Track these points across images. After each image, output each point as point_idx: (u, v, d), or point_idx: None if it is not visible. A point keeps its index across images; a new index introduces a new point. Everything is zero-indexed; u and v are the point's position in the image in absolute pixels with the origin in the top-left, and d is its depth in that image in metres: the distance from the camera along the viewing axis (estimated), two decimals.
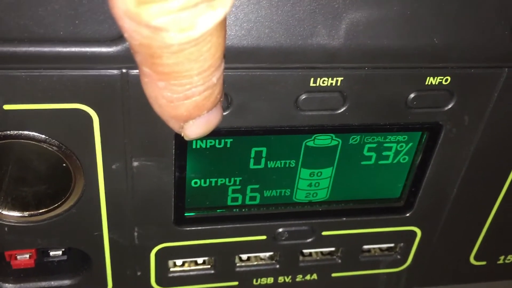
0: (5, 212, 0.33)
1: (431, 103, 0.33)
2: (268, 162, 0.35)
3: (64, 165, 0.31)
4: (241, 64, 0.29)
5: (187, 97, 0.23)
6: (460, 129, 0.35)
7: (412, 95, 0.32)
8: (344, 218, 0.39)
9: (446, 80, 0.32)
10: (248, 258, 0.41)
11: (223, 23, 0.22)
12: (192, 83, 0.22)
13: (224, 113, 0.31)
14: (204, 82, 0.23)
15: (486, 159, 0.37)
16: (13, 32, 0.25)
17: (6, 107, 0.28)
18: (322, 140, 0.34)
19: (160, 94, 0.23)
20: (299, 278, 0.42)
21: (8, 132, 0.29)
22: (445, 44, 0.30)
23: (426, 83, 0.32)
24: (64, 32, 0.26)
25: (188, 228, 0.37)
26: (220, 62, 0.23)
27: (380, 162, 0.36)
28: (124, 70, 0.28)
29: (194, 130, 0.25)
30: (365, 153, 0.35)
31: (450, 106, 0.33)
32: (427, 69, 0.31)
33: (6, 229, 0.34)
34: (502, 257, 0.45)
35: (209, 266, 0.40)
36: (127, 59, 0.27)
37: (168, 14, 0.19)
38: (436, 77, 0.31)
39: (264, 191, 0.36)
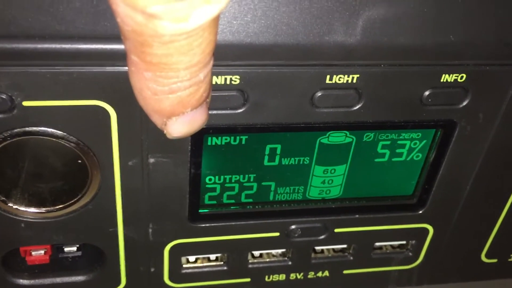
0: (22, 208, 0.33)
1: (446, 101, 0.33)
2: (282, 159, 0.35)
3: (80, 161, 0.32)
4: (258, 61, 0.29)
5: (172, 91, 0.23)
6: (474, 126, 0.35)
7: (427, 93, 0.32)
8: (357, 215, 0.39)
9: (462, 77, 0.32)
10: (261, 255, 0.41)
11: (216, 20, 0.22)
12: (178, 76, 0.22)
13: (240, 110, 0.31)
14: (190, 77, 0.23)
15: (500, 157, 0.37)
16: (34, 29, 0.26)
17: (26, 103, 0.28)
18: (336, 137, 0.34)
19: (145, 85, 0.23)
20: (311, 275, 0.42)
21: (27, 128, 0.29)
22: (461, 41, 0.30)
23: (442, 80, 0.32)
24: (84, 29, 0.26)
25: (202, 225, 0.37)
26: (209, 59, 0.23)
27: (394, 159, 0.36)
28: None
29: (177, 128, 0.25)
30: (379, 150, 0.36)
31: (465, 103, 0.33)
32: (442, 66, 0.31)
33: (22, 225, 0.34)
34: None
35: (221, 263, 0.40)
36: None
37: (164, 2, 0.19)
38: (451, 75, 0.32)
39: (278, 188, 0.36)
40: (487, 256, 0.45)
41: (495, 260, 0.45)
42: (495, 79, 0.32)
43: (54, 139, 0.30)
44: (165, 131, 0.25)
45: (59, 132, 0.30)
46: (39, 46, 0.26)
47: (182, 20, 0.20)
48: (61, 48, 0.26)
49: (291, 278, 0.42)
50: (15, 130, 0.29)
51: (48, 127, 0.30)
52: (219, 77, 0.29)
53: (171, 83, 0.23)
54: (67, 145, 0.30)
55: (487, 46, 0.30)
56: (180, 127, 0.25)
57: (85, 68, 0.27)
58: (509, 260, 0.46)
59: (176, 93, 0.23)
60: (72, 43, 0.26)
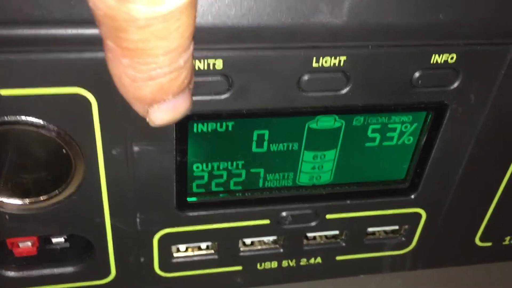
0: (5, 200, 0.33)
1: (437, 82, 0.32)
2: (271, 145, 0.34)
3: (63, 151, 0.31)
4: (242, 44, 0.28)
5: (152, 77, 0.22)
6: (466, 108, 0.34)
7: (417, 74, 0.32)
8: (348, 201, 0.38)
9: (452, 58, 0.31)
10: (252, 243, 0.41)
11: (194, 2, 0.21)
12: (157, 62, 0.22)
13: (225, 96, 0.30)
14: (170, 63, 0.22)
15: (493, 139, 0.36)
16: (7, 14, 0.25)
17: (3, 92, 0.28)
18: (325, 122, 0.34)
19: (124, 72, 0.22)
20: (303, 261, 0.42)
21: (6, 117, 0.29)
22: (450, 20, 0.29)
23: (432, 61, 0.31)
24: (60, 14, 0.25)
25: (190, 213, 0.36)
26: (189, 43, 0.22)
27: (385, 143, 0.36)
28: None
29: (159, 115, 0.24)
30: (369, 134, 0.35)
31: (456, 84, 0.33)
32: (432, 46, 0.31)
33: (7, 217, 0.33)
34: (507, 238, 0.45)
35: (212, 251, 0.40)
36: None
37: None
38: (441, 55, 0.31)
39: (267, 175, 0.36)
40: (481, 239, 0.44)
41: (489, 244, 0.45)
42: (486, 59, 0.32)
43: (34, 129, 0.29)
44: (147, 119, 0.25)
45: (39, 121, 0.29)
46: (13, 32, 0.25)
47: (156, 2, 0.19)
48: (36, 33, 0.25)
49: (283, 265, 0.42)
50: None
51: (27, 116, 0.29)
52: (202, 61, 0.28)
53: (150, 69, 0.22)
54: (48, 134, 0.30)
55: (478, 25, 0.30)
56: (162, 114, 0.24)
57: (62, 54, 0.27)
58: (504, 243, 0.45)
59: (156, 80, 0.22)
60: (47, 28, 0.25)
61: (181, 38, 0.21)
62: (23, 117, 0.29)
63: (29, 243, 0.37)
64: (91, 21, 0.25)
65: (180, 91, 0.24)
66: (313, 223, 0.39)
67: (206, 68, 0.29)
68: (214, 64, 0.29)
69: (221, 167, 0.35)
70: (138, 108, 0.24)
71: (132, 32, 0.20)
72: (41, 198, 0.33)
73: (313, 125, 0.34)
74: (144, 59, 0.21)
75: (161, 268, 0.39)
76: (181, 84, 0.23)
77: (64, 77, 0.28)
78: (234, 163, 0.35)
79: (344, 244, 0.41)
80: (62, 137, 0.30)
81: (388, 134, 0.35)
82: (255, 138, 0.34)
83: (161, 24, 0.20)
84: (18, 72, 0.27)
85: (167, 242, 0.38)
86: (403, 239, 0.42)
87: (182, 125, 0.31)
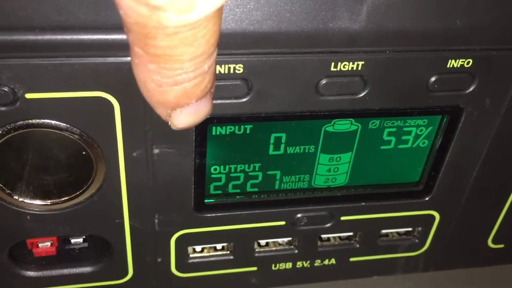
0: (27, 201, 0.33)
1: (452, 86, 0.33)
2: (288, 147, 0.35)
3: (85, 153, 0.31)
4: (262, 49, 0.29)
5: (177, 82, 0.23)
6: (481, 112, 0.34)
7: (433, 78, 0.32)
8: (363, 203, 0.39)
9: (468, 62, 0.31)
10: (267, 244, 0.41)
11: (221, 10, 0.22)
12: (183, 68, 0.22)
13: (244, 99, 0.31)
14: (195, 68, 0.22)
15: (507, 142, 0.37)
16: (34, 20, 0.25)
17: (28, 95, 0.28)
18: (342, 125, 0.34)
19: (149, 77, 0.23)
20: (317, 263, 0.42)
21: (30, 121, 0.29)
22: (467, 26, 0.29)
23: (448, 66, 0.31)
24: (85, 20, 0.26)
25: (208, 215, 0.37)
26: (214, 50, 0.23)
27: (400, 146, 0.36)
28: None
29: (181, 119, 0.25)
30: (385, 137, 0.35)
31: (471, 89, 0.33)
32: (449, 51, 0.31)
33: (28, 217, 0.34)
34: None
35: (228, 252, 0.40)
36: None
37: None
38: (458, 60, 0.31)
39: (283, 177, 0.36)
40: (494, 241, 0.44)
41: (502, 246, 0.45)
42: (502, 64, 0.32)
43: (57, 131, 0.30)
44: (169, 123, 0.25)
45: (62, 124, 0.30)
46: (40, 37, 0.25)
47: (186, 11, 0.20)
48: (62, 39, 0.26)
49: (297, 266, 0.42)
50: (19, 123, 0.29)
51: (51, 119, 0.30)
52: (223, 66, 0.29)
53: (175, 74, 0.22)
54: (71, 137, 0.30)
55: (494, 31, 0.30)
56: (185, 118, 0.25)
57: (87, 59, 0.27)
58: None
59: (180, 85, 0.23)
60: (72, 34, 0.26)
61: (206, 45, 0.22)
62: (47, 120, 0.30)
63: (48, 243, 0.38)
64: (115, 26, 0.26)
65: (203, 96, 0.24)
66: (328, 225, 0.39)
67: (226, 72, 0.29)
68: (234, 68, 0.29)
69: (238, 169, 0.35)
70: (161, 112, 0.25)
71: (160, 39, 0.21)
72: (62, 199, 0.34)
73: (329, 128, 0.34)
74: (171, 65, 0.22)
75: (177, 268, 0.40)
76: (204, 88, 0.24)
77: (88, 81, 0.28)
78: (251, 166, 0.35)
79: (358, 246, 0.42)
80: (84, 139, 0.31)
81: (404, 137, 0.36)
82: (272, 141, 0.34)
83: (189, 31, 0.21)
84: (43, 76, 0.28)
85: (184, 243, 0.38)
86: (417, 241, 0.43)
87: (202, 128, 0.32)
